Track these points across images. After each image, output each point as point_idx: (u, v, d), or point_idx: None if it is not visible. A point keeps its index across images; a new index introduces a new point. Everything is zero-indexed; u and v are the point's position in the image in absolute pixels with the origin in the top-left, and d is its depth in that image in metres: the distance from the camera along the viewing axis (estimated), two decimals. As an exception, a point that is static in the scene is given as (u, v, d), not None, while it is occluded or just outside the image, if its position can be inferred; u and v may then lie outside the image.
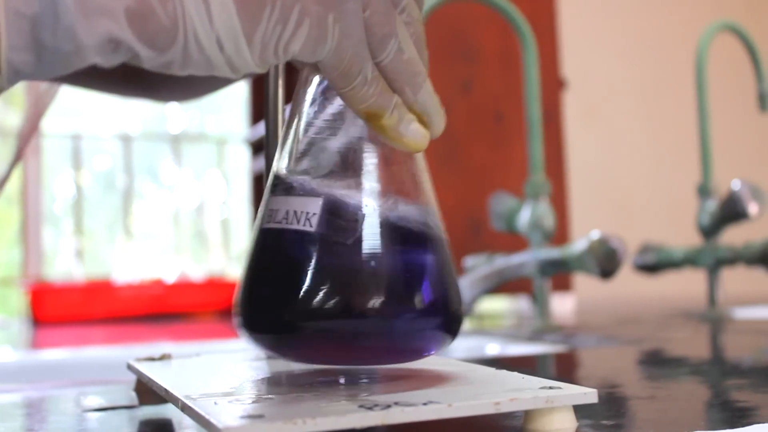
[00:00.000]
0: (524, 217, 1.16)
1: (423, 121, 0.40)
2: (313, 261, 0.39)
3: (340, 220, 0.39)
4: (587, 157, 2.92)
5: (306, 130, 0.41)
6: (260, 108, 2.52)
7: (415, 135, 0.39)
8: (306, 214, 0.39)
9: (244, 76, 0.42)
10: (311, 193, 0.40)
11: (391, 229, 0.39)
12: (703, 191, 1.30)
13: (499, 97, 1.90)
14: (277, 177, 0.42)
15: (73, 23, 0.33)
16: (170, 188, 2.92)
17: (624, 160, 3.09)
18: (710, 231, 1.27)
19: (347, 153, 0.40)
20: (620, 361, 0.72)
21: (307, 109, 0.42)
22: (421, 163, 0.42)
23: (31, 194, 2.58)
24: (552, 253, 1.12)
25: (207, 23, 0.35)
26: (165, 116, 2.98)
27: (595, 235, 1.06)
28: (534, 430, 0.37)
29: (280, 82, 0.53)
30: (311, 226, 0.39)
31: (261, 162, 2.40)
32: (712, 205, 1.28)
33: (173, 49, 0.35)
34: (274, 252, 0.40)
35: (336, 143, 0.41)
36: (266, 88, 0.53)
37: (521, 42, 1.17)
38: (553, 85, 1.95)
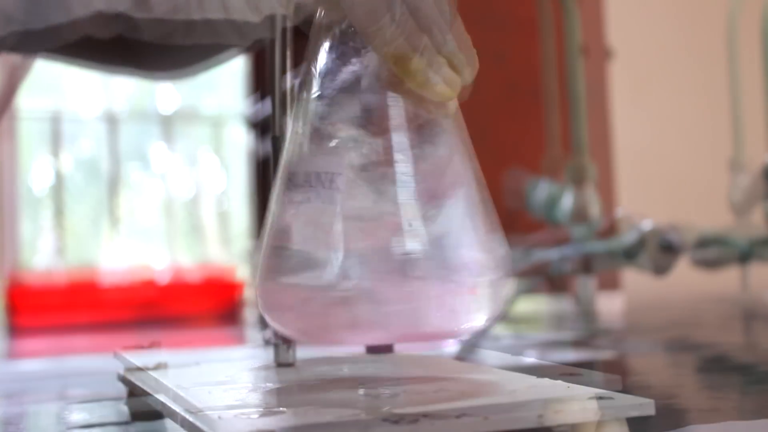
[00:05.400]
0: (566, 205, 1.16)
1: (453, 66, 0.40)
2: (343, 226, 0.39)
3: (371, 179, 0.39)
4: (637, 137, 2.90)
5: (324, 85, 0.42)
6: (260, 83, 2.51)
7: (446, 80, 0.39)
8: (331, 174, 0.39)
9: (252, 46, 0.41)
10: (335, 153, 0.40)
11: (428, 186, 0.39)
12: (772, 175, 1.29)
13: (537, 70, 1.89)
14: (295, 139, 0.42)
15: None
16: (161, 175, 2.93)
17: (679, 139, 3.07)
18: (780, 220, 1.26)
19: (371, 108, 0.41)
20: (677, 368, 0.72)
21: (323, 61, 0.42)
22: (456, 112, 0.42)
23: (6, 182, 2.59)
24: (598, 246, 1.11)
25: None
26: (155, 93, 2.99)
27: (648, 225, 1.06)
28: (582, 447, 0.37)
29: (288, 53, 0.53)
30: (337, 187, 0.39)
31: (263, 144, 2.40)
32: (782, 190, 1.27)
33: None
34: (299, 218, 0.40)
35: (358, 98, 0.41)
36: (271, 59, 0.53)
37: (562, 7, 1.17)
38: (598, 56, 1.94)
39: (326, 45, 0.42)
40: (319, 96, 0.42)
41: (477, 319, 0.40)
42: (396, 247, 0.38)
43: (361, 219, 0.39)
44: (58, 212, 2.74)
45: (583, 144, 1.15)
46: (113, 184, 2.84)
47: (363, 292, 0.38)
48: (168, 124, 2.92)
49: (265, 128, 2.44)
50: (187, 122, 2.98)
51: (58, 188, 2.76)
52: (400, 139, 0.40)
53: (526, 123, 1.87)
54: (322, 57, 0.42)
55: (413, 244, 0.38)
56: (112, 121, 2.83)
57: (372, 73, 0.41)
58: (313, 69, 0.43)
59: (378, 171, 0.39)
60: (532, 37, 1.90)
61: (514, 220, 1.80)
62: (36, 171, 2.82)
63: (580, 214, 1.14)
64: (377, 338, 0.39)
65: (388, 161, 0.39)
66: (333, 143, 0.40)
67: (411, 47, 0.39)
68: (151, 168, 2.98)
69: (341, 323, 0.38)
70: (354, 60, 0.41)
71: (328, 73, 0.42)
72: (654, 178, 3.00)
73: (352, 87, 0.41)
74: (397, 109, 0.41)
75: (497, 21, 1.87)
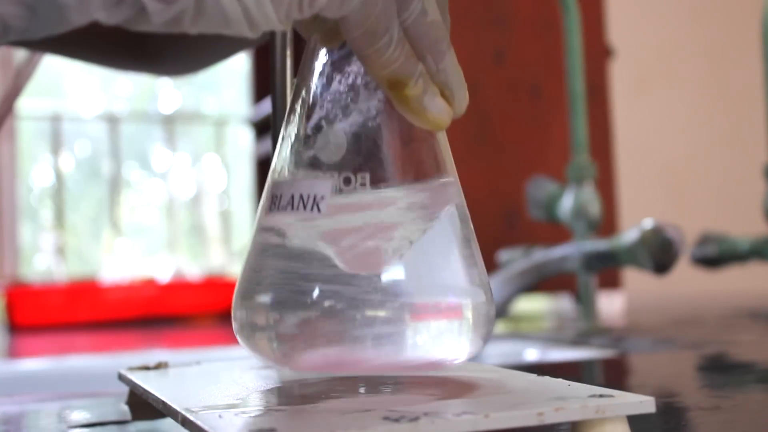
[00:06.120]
0: (566, 204, 1.16)
1: (444, 96, 0.40)
2: (323, 252, 0.39)
3: (356, 203, 0.39)
4: (638, 136, 2.90)
5: (314, 108, 0.42)
6: (264, 84, 2.52)
7: (440, 110, 0.39)
8: (314, 197, 0.39)
9: (257, 40, 0.41)
10: (320, 176, 0.40)
11: (412, 217, 0.39)
12: (772, 173, 1.29)
13: (536, 69, 1.89)
14: (281, 160, 0.42)
15: None
16: (163, 176, 2.93)
17: (680, 138, 3.07)
18: (780, 218, 1.27)
19: (361, 132, 0.40)
20: (678, 367, 0.72)
21: (315, 83, 0.42)
22: (443, 140, 0.42)
23: (6, 184, 2.59)
24: (598, 245, 1.11)
25: None
26: (156, 94, 2.99)
27: (648, 224, 1.06)
28: (582, 445, 0.36)
29: (288, 53, 0.53)
30: (320, 211, 0.39)
31: (266, 145, 2.41)
32: (782, 188, 1.27)
33: None
34: (279, 242, 0.40)
35: (348, 121, 0.41)
36: (272, 59, 0.53)
37: (561, 4, 1.17)
38: (599, 54, 1.94)
39: (319, 66, 0.42)
40: (308, 117, 0.42)
41: (461, 348, 0.40)
42: (376, 272, 0.38)
43: (341, 242, 0.39)
44: (59, 212, 2.74)
45: (583, 143, 1.15)
46: (114, 184, 2.84)
47: (339, 316, 0.38)
48: (169, 125, 2.92)
49: (265, 128, 2.45)
50: (188, 123, 2.98)
51: (59, 188, 2.76)
52: (390, 164, 0.40)
53: (526, 123, 1.87)
54: (314, 78, 0.42)
55: (395, 269, 0.38)
56: (112, 122, 2.83)
57: (365, 96, 0.41)
58: (303, 89, 0.43)
59: (364, 196, 0.39)
60: (532, 36, 1.90)
61: (514, 220, 1.80)
62: (36, 172, 2.82)
63: (580, 213, 1.14)
64: (350, 365, 0.39)
65: (377, 186, 0.40)
66: (319, 166, 0.40)
67: (408, 72, 0.39)
68: (153, 169, 2.99)
69: (313, 347, 0.38)
70: (347, 82, 0.41)
71: (320, 95, 0.42)
72: (655, 177, 3.00)
73: (343, 110, 0.41)
74: (388, 133, 0.41)
75: (497, 20, 1.87)
